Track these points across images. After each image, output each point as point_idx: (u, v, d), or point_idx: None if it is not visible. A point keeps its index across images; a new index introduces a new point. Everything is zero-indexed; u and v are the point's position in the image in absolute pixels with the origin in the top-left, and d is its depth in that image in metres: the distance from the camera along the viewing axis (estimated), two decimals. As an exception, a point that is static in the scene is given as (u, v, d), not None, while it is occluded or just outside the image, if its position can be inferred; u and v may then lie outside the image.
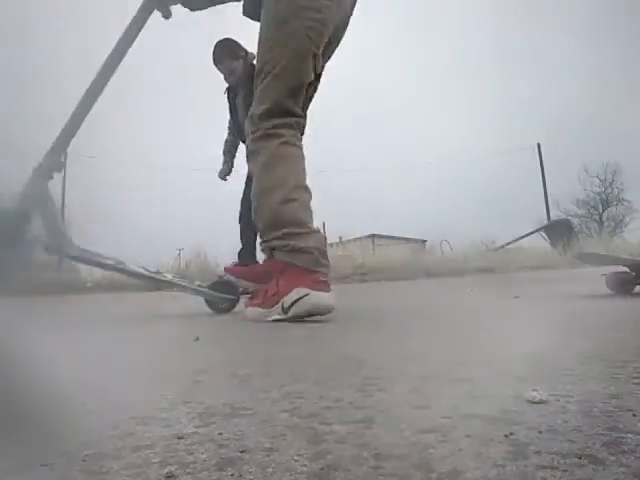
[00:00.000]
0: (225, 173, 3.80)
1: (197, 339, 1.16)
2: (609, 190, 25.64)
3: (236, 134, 3.74)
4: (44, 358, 0.87)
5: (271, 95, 1.63)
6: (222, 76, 3.50)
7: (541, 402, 0.52)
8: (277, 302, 1.51)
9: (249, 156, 1.76)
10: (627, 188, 24.38)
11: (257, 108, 1.67)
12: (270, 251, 1.62)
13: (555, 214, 19.98)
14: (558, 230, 9.99)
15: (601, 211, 25.81)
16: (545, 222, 13.32)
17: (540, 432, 0.44)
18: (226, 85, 3.62)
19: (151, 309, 2.91)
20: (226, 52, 3.34)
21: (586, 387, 0.58)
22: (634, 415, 0.47)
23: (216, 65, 3.39)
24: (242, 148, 3.78)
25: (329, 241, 8.43)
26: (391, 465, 0.39)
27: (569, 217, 18.25)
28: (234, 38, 3.41)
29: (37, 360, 0.84)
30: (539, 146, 19.87)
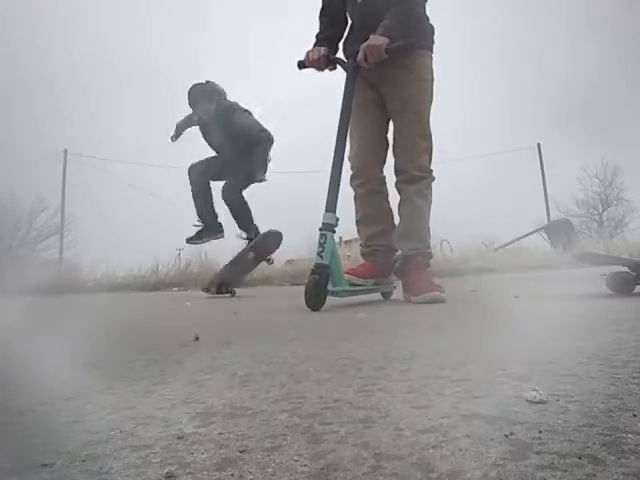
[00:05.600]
0: (172, 137, 3.70)
1: (197, 339, 1.16)
2: (609, 190, 25.60)
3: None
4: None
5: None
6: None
7: (541, 402, 0.52)
8: None
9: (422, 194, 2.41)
10: (627, 188, 24.34)
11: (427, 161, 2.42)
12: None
13: (555, 214, 19.99)
14: (558, 230, 9.97)
15: (601, 211, 25.75)
16: (545, 222, 13.31)
17: (540, 432, 0.44)
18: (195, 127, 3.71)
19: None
20: (203, 95, 3.48)
21: (586, 387, 0.58)
22: (634, 415, 0.47)
23: (191, 106, 3.53)
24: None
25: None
26: (391, 465, 0.39)
27: (569, 217, 18.21)
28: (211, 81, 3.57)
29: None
30: (539, 146, 19.90)
